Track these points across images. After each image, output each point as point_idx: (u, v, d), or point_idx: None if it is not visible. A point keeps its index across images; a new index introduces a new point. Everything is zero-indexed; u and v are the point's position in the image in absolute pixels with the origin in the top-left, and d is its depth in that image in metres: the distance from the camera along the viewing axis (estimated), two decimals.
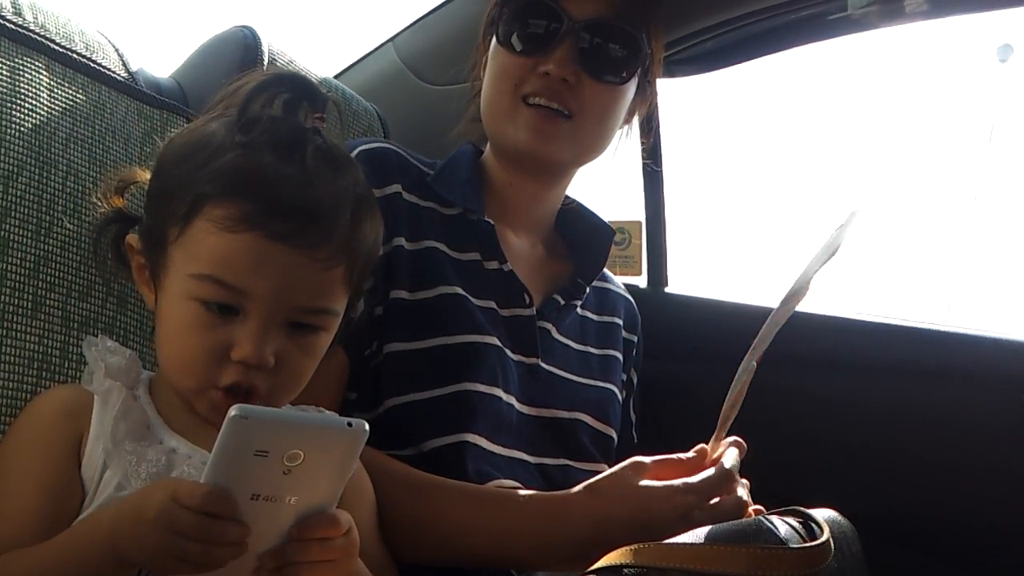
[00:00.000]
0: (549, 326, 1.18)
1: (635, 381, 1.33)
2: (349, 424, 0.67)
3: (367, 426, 0.68)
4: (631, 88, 1.17)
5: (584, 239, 1.28)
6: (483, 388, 1.06)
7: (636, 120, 1.24)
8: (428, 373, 1.06)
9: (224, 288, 0.75)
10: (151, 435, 0.80)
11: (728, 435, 1.02)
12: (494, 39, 1.16)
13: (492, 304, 1.13)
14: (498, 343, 1.10)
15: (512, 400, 1.10)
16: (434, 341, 1.07)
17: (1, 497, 0.76)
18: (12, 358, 0.90)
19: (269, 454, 0.64)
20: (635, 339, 1.32)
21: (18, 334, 0.91)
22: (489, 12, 1.19)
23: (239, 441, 0.64)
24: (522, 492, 1.01)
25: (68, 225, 0.97)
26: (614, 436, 1.21)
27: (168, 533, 0.64)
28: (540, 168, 1.18)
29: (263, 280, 0.75)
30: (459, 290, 1.10)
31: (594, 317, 1.26)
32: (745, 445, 1.02)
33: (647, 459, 1.00)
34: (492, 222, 1.15)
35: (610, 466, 1.02)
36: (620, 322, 1.30)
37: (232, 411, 0.63)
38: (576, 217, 1.30)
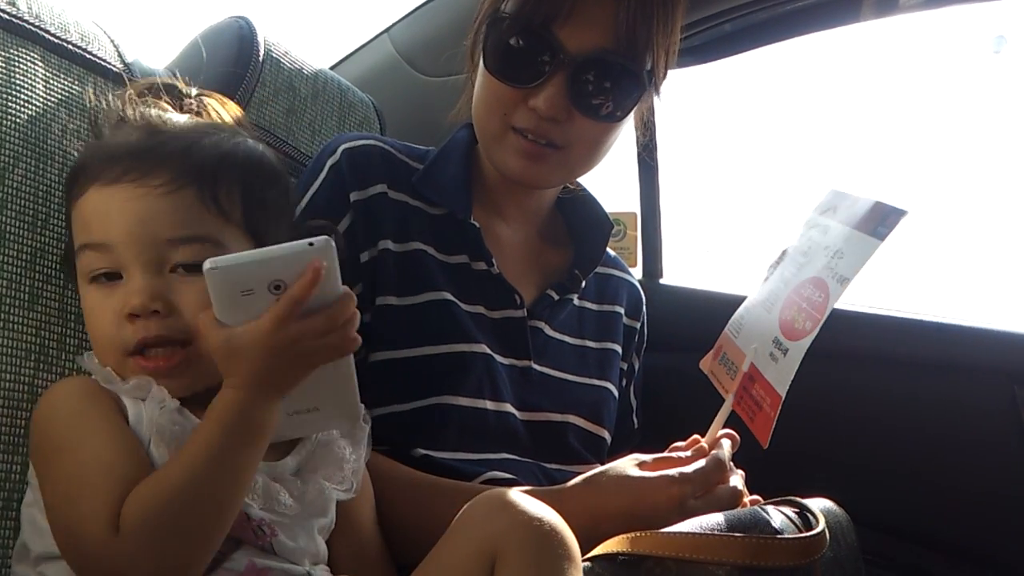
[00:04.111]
0: (542, 324, 1.17)
1: (636, 367, 1.32)
2: (311, 243, 0.73)
3: (331, 239, 0.74)
4: (628, 118, 1.12)
5: (585, 229, 1.26)
6: (464, 401, 1.06)
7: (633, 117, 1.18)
8: (409, 384, 1.05)
9: (94, 250, 0.81)
10: (186, 417, 0.80)
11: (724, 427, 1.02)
12: (481, 62, 1.09)
13: (481, 308, 1.12)
14: (487, 350, 1.09)
15: (505, 407, 1.09)
16: (419, 351, 1.06)
17: (86, 466, 0.74)
18: (9, 350, 0.90)
19: (254, 291, 0.72)
20: (637, 326, 1.31)
21: (15, 326, 0.91)
22: (475, 30, 1.12)
23: (223, 285, 0.72)
24: (519, 488, 1.01)
25: (64, 217, 0.97)
26: (606, 437, 1.20)
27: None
28: (530, 188, 1.17)
29: (115, 223, 0.80)
30: (448, 295, 1.09)
31: (593, 307, 1.25)
32: (738, 438, 1.03)
33: (646, 456, 1.00)
34: (478, 225, 1.13)
35: (603, 465, 1.02)
36: (621, 310, 1.29)
37: (206, 264, 0.72)
38: (581, 205, 1.28)
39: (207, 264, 0.72)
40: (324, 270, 0.73)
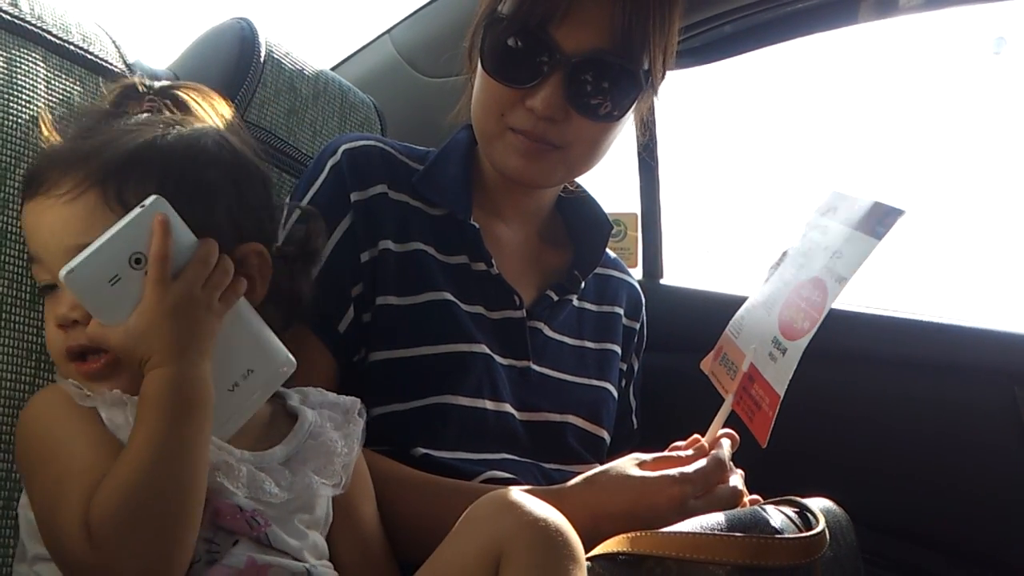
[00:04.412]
0: (541, 325, 1.17)
1: (636, 368, 1.33)
2: (142, 205, 0.76)
3: (159, 196, 0.77)
4: (627, 116, 1.12)
5: (584, 230, 1.27)
6: (464, 400, 1.06)
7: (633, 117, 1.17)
8: (409, 384, 1.06)
9: (34, 262, 0.83)
10: None
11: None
12: (479, 63, 1.09)
13: (480, 309, 1.12)
14: (486, 350, 1.09)
15: (505, 407, 1.10)
16: (419, 350, 1.06)
17: (63, 475, 0.74)
18: (11, 349, 0.90)
19: (119, 275, 0.74)
20: (637, 326, 1.31)
21: (16, 326, 0.91)
22: (473, 31, 1.12)
23: (87, 285, 0.74)
24: (520, 487, 1.01)
25: None
26: (606, 437, 1.20)
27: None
28: (529, 187, 1.17)
29: (34, 236, 0.82)
30: (448, 295, 1.09)
31: (593, 308, 1.25)
32: (738, 438, 1.03)
33: (646, 455, 1.00)
34: (478, 226, 1.13)
35: (603, 464, 1.03)
36: (621, 311, 1.29)
37: (61, 275, 0.73)
38: (580, 206, 1.28)
39: (62, 274, 0.73)
40: (170, 222, 0.76)
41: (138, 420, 0.74)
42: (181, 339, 0.75)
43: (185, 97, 0.92)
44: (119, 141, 0.82)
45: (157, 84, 0.93)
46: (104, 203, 0.79)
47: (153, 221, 0.76)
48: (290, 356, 0.85)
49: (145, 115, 0.88)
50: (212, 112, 0.93)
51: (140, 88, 0.92)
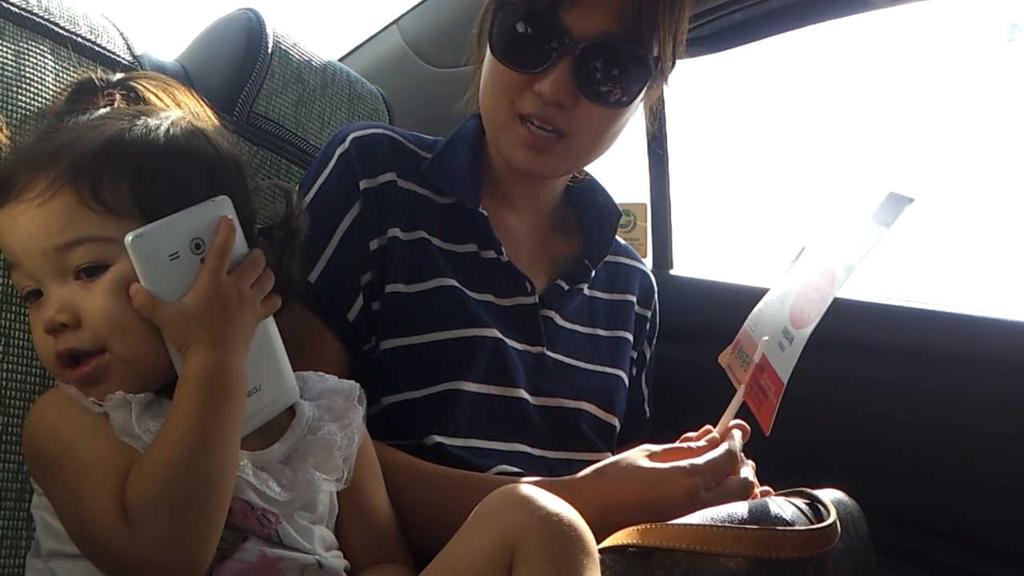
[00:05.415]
0: (552, 314, 1.17)
1: (648, 355, 1.32)
2: (212, 199, 0.81)
3: (226, 197, 0.82)
4: (635, 103, 1.11)
5: (593, 218, 1.26)
6: (474, 386, 1.06)
7: (642, 106, 1.18)
8: (420, 371, 1.06)
9: (12, 269, 0.82)
10: (161, 407, 0.80)
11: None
12: (488, 48, 1.08)
13: (491, 296, 1.12)
14: (497, 334, 1.09)
15: (519, 392, 1.10)
16: (428, 337, 1.06)
17: (85, 467, 0.75)
18: (21, 342, 0.90)
19: (179, 253, 0.78)
20: (649, 313, 1.31)
21: (26, 324, 0.91)
22: (482, 17, 1.11)
23: (149, 254, 0.76)
24: (529, 479, 1.01)
25: None
26: (616, 425, 1.20)
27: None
28: (536, 179, 1.17)
29: (9, 244, 0.80)
30: (454, 282, 1.09)
31: (604, 296, 1.25)
32: (748, 428, 1.03)
33: (657, 446, 1.00)
34: (486, 213, 1.13)
35: (613, 454, 1.02)
36: (633, 298, 1.29)
37: (127, 238, 0.75)
38: (588, 194, 1.28)
39: (128, 238, 0.75)
40: (234, 225, 0.81)
41: (178, 403, 0.75)
42: (226, 329, 0.78)
43: (143, 88, 0.91)
44: (86, 137, 0.80)
45: (115, 77, 0.91)
46: (80, 201, 0.78)
47: (217, 215, 0.80)
48: (296, 386, 0.88)
49: (107, 109, 0.86)
50: (173, 101, 0.91)
51: (97, 83, 0.90)
